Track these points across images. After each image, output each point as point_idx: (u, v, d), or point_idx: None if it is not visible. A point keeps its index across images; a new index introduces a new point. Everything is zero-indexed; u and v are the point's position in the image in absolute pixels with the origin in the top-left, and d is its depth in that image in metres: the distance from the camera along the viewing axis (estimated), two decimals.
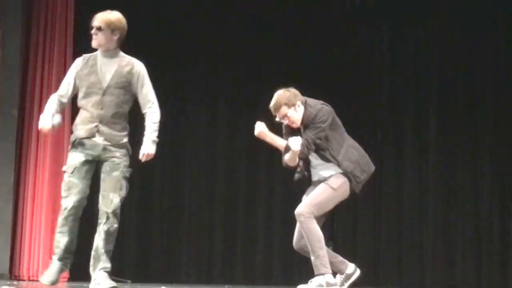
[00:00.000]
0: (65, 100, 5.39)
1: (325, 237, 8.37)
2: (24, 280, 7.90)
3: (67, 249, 5.35)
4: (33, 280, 7.88)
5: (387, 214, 8.43)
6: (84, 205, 5.36)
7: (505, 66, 8.27)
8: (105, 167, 5.22)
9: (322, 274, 5.36)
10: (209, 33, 8.57)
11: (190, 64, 8.65)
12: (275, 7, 8.59)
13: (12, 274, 8.00)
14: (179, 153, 8.63)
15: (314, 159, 5.52)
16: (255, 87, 8.33)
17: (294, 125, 5.51)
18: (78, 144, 5.27)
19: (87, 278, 5.46)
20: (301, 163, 5.57)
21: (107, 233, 5.29)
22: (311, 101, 5.55)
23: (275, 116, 5.51)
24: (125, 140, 5.26)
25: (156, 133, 5.24)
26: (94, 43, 5.22)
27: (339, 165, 5.43)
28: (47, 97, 8.07)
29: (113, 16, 5.22)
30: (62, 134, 8.10)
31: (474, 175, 8.31)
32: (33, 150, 8.12)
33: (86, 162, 5.24)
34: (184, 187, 8.64)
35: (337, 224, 8.57)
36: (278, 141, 5.56)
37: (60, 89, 5.39)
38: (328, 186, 5.42)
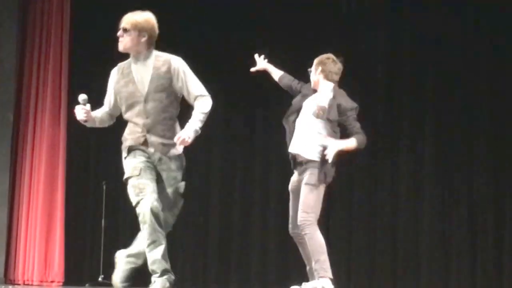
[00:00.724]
0: (113, 114, 5.05)
1: None
2: (19, 284, 7.89)
3: (166, 260, 4.69)
4: (28, 284, 7.88)
5: (382, 223, 8.41)
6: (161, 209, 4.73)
7: (502, 72, 8.26)
8: (160, 180, 4.80)
9: (321, 277, 5.35)
10: (209, 37, 8.56)
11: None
12: (270, 12, 8.59)
13: (7, 278, 8.00)
14: None
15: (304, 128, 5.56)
16: (250, 91, 8.33)
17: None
18: (134, 150, 4.83)
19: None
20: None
21: None
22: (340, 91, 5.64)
23: (311, 65, 5.67)
24: (179, 149, 4.83)
25: (199, 123, 4.74)
26: (120, 47, 4.84)
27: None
28: (43, 102, 8.17)
29: (140, 16, 4.81)
30: (57, 139, 8.11)
31: (469, 186, 8.31)
32: (29, 154, 8.12)
33: (148, 164, 4.76)
34: None
35: (332, 234, 8.57)
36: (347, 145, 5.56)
37: (104, 104, 5.07)
38: (310, 186, 5.41)
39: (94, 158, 8.59)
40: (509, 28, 8.15)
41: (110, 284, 6.35)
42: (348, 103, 5.56)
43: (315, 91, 5.66)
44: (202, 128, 4.75)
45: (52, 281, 7.97)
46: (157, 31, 4.84)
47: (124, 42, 4.82)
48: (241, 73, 8.22)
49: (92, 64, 8.64)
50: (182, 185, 4.87)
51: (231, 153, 8.67)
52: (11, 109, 8.14)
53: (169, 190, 4.80)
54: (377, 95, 8.54)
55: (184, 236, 8.49)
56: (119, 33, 4.84)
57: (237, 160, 8.66)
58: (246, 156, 8.63)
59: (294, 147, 5.54)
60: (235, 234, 8.60)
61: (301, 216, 5.42)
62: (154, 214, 4.64)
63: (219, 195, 8.64)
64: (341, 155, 5.52)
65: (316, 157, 5.45)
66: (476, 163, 8.29)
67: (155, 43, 4.85)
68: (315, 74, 5.64)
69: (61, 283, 7.98)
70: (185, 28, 8.54)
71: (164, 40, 4.94)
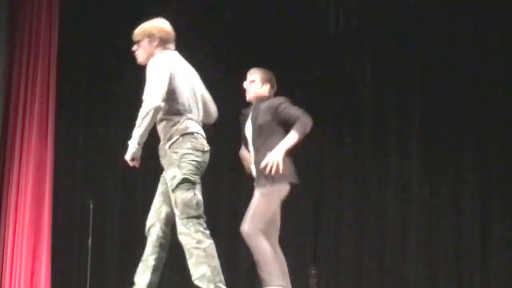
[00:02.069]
0: None
1: (307, 261, 8.45)
2: None
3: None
4: None
5: (370, 239, 8.43)
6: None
7: (489, 81, 8.28)
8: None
9: (268, 286, 5.30)
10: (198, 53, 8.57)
11: None
12: (257, 32, 8.63)
13: None
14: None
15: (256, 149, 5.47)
16: (237, 107, 8.36)
17: (248, 96, 5.61)
18: None
19: None
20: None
21: None
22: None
23: (245, 79, 5.67)
24: (166, 147, 4.67)
25: (135, 132, 4.57)
26: (138, 60, 4.85)
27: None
28: (30, 121, 8.15)
29: (147, 24, 4.84)
30: (44, 158, 8.09)
31: (456, 201, 8.32)
32: (15, 174, 8.08)
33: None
34: None
35: (320, 249, 8.58)
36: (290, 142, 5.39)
37: None
38: (261, 195, 5.35)
39: (81, 177, 8.58)
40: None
41: None
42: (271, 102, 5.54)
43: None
44: (144, 135, 4.57)
45: None
46: (168, 31, 4.83)
47: (139, 55, 4.82)
48: (229, 98, 8.30)
49: (80, 83, 8.66)
50: (174, 181, 4.60)
51: (219, 159, 8.66)
52: None
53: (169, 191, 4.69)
54: (364, 112, 8.59)
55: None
56: (134, 47, 4.84)
57: (225, 168, 8.64)
58: (235, 162, 8.65)
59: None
60: (223, 242, 8.56)
61: (245, 225, 5.32)
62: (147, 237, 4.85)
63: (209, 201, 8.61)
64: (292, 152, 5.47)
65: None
66: (464, 174, 8.29)
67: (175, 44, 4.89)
68: (258, 88, 5.63)
69: None
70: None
71: None
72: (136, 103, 7.69)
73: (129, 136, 4.75)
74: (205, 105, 4.92)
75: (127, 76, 8.52)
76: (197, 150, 4.60)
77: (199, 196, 4.61)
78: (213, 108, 5.05)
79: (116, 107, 8.65)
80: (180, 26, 5.11)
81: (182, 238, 4.58)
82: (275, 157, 5.16)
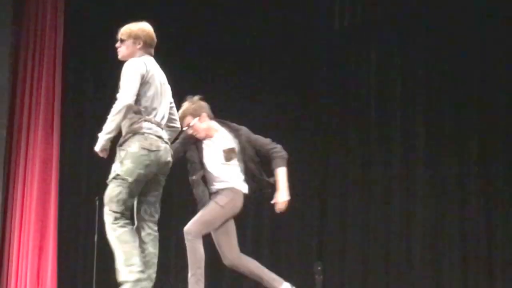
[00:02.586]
0: None
1: (313, 257, 8.46)
2: None
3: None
4: None
5: (376, 234, 8.43)
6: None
7: (492, 78, 8.28)
8: None
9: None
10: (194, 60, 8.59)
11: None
12: (262, 28, 8.63)
13: None
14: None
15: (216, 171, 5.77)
16: (243, 106, 8.37)
17: (198, 135, 5.79)
18: None
19: None
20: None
21: None
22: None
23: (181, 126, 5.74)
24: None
25: (104, 128, 4.81)
26: (118, 55, 5.13)
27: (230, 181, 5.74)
28: (36, 117, 8.17)
29: (134, 26, 5.09)
30: (50, 155, 8.11)
31: (462, 190, 8.32)
32: (21, 170, 8.11)
33: None
34: (172, 204, 8.61)
35: (325, 245, 8.58)
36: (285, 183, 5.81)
37: None
38: (216, 204, 5.64)
39: (86, 174, 8.58)
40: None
41: None
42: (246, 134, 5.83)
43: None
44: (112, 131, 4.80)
45: None
46: (152, 37, 5.10)
47: (121, 52, 5.11)
48: (236, 95, 8.30)
49: (85, 80, 8.67)
50: (111, 175, 4.89)
51: None
52: (3, 125, 8.13)
53: None
54: (370, 109, 8.58)
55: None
56: (117, 44, 5.13)
57: None
58: None
59: None
60: None
61: (188, 226, 5.56)
62: None
63: None
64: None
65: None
66: (468, 168, 8.28)
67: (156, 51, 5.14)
68: (200, 123, 5.79)
69: None
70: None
71: None
72: None
73: None
74: (170, 114, 5.17)
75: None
76: (143, 149, 4.79)
77: (124, 195, 4.80)
78: (177, 117, 5.33)
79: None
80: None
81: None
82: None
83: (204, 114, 5.82)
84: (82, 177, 8.59)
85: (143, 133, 4.81)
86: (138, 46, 5.04)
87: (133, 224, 4.93)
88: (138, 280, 4.71)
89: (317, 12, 8.63)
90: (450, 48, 8.28)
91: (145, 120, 4.84)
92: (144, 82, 4.86)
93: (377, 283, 8.33)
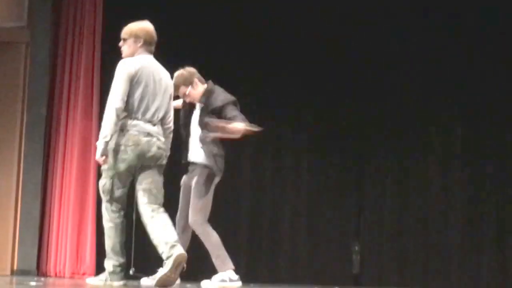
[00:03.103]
0: None
1: (350, 238, 8.45)
2: (51, 276, 7.94)
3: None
4: (59, 277, 7.93)
5: (413, 214, 8.39)
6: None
7: None
8: None
9: (225, 270, 6.03)
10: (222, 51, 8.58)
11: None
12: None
13: (40, 270, 8.06)
14: None
15: (196, 137, 6.20)
16: (270, 92, 8.40)
17: (195, 101, 6.24)
18: None
19: None
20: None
21: None
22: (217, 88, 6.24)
23: (177, 96, 6.11)
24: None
25: (100, 135, 5.21)
26: (123, 55, 5.49)
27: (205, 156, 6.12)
28: (75, 96, 8.23)
29: (135, 25, 5.47)
30: (89, 133, 8.16)
31: (500, 180, 8.25)
32: (61, 147, 8.17)
33: None
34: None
35: (363, 226, 8.56)
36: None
37: None
38: (199, 187, 6.09)
39: None
40: None
41: (141, 277, 6.43)
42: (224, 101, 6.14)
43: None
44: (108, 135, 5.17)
45: (83, 274, 8.00)
46: (152, 36, 5.47)
47: (124, 50, 5.47)
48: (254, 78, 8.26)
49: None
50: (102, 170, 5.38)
51: (262, 148, 8.67)
52: (44, 103, 8.20)
53: None
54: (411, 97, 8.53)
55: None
56: (120, 43, 5.51)
57: (268, 154, 8.66)
58: (277, 149, 8.65)
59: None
60: (265, 228, 8.60)
61: (191, 218, 6.10)
62: None
63: (250, 190, 8.65)
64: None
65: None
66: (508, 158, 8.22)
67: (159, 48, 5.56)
68: (194, 90, 6.21)
69: (92, 276, 8.01)
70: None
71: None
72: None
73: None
74: (168, 108, 5.50)
75: (168, 50, 8.55)
76: (120, 145, 5.20)
77: (108, 186, 5.30)
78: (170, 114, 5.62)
79: None
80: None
81: None
82: None
83: (195, 80, 6.18)
84: None
85: (123, 130, 5.22)
86: (139, 45, 5.39)
87: (121, 213, 5.49)
88: (113, 272, 5.40)
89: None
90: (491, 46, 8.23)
91: (131, 118, 5.24)
92: (134, 82, 5.24)
93: (415, 263, 8.30)
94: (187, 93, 6.19)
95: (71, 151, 8.16)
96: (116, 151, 5.20)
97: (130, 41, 5.41)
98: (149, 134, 5.28)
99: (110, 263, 5.39)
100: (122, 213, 5.43)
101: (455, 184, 8.35)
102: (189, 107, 6.31)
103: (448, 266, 8.23)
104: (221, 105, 6.09)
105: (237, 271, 8.56)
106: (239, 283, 6.03)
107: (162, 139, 5.39)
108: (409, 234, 8.40)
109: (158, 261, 8.47)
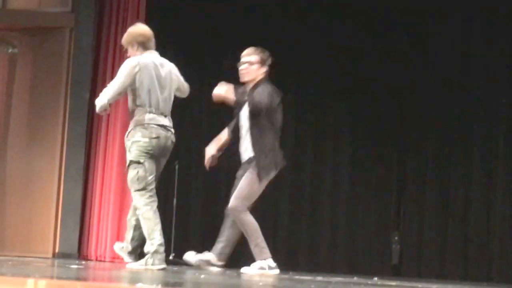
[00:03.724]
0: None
1: (390, 228, 8.42)
2: (92, 260, 8.02)
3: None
4: (100, 261, 8.01)
5: (454, 206, 8.33)
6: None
7: None
8: None
9: (264, 258, 5.96)
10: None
11: None
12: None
13: (81, 254, 8.15)
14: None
15: (245, 131, 6.05)
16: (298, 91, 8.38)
17: (246, 77, 6.08)
18: None
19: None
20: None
21: None
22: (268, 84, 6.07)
23: (239, 61, 6.10)
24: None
25: (101, 95, 5.76)
26: None
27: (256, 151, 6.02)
28: None
29: (127, 32, 5.95)
30: None
31: None
32: (103, 132, 8.23)
33: None
34: None
35: (403, 216, 8.51)
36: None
37: None
38: (250, 176, 5.98)
39: None
40: None
41: (182, 263, 6.47)
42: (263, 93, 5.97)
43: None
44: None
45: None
46: (145, 36, 5.86)
47: (127, 57, 5.87)
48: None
49: (166, 42, 8.70)
50: (127, 164, 5.77)
51: (301, 140, 8.67)
52: (87, 88, 8.26)
53: None
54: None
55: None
56: (124, 50, 5.99)
57: (308, 146, 8.65)
58: (317, 142, 8.64)
59: None
60: (304, 218, 8.60)
61: (233, 202, 6.01)
62: None
63: (290, 182, 8.64)
64: None
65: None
66: None
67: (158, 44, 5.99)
68: (255, 70, 6.09)
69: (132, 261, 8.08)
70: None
71: None
72: (222, 63, 7.72)
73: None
74: (178, 90, 6.00)
75: (213, 34, 8.58)
76: (144, 137, 5.63)
77: (142, 173, 5.66)
78: (184, 87, 6.10)
79: (202, 70, 8.70)
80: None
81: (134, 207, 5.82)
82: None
83: (264, 68, 6.07)
84: None
85: (143, 124, 5.63)
86: (135, 48, 5.82)
87: (156, 199, 5.75)
88: (156, 252, 5.60)
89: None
90: None
91: (147, 112, 5.65)
92: (138, 79, 5.65)
93: (454, 253, 8.23)
94: (255, 69, 6.08)
95: (113, 135, 8.21)
96: (141, 143, 5.62)
97: (129, 48, 5.88)
98: (165, 128, 5.75)
99: (154, 244, 5.61)
100: (155, 197, 5.74)
101: (497, 176, 8.26)
102: (241, 97, 6.10)
103: (488, 258, 8.15)
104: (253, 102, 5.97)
105: (276, 258, 8.61)
106: (277, 271, 6.01)
107: (173, 130, 5.83)
108: (449, 226, 8.34)
109: (197, 247, 8.55)
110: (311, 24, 8.50)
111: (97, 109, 5.74)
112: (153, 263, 5.57)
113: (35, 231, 8.18)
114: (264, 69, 6.09)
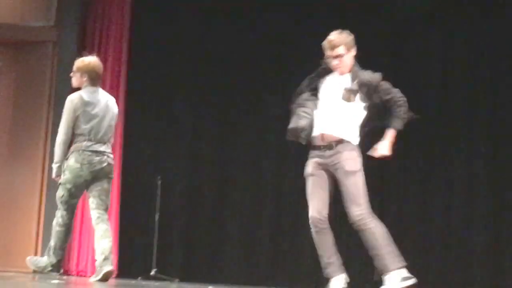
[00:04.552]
0: None
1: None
2: (73, 275, 7.99)
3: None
4: (81, 276, 7.98)
5: (435, 216, 8.38)
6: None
7: None
8: None
9: (398, 268, 5.13)
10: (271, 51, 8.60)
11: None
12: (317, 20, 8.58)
13: (62, 269, 8.09)
14: (226, 154, 8.67)
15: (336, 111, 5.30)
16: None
17: (342, 70, 5.31)
18: None
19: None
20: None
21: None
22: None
23: (324, 55, 5.30)
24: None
25: (53, 162, 6.09)
26: (73, 85, 6.35)
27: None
28: None
29: (82, 61, 6.25)
30: (114, 134, 8.18)
31: None
32: None
33: None
34: (232, 188, 8.66)
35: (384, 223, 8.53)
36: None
37: None
38: (356, 173, 5.23)
39: (149, 153, 8.66)
40: None
41: (163, 279, 6.45)
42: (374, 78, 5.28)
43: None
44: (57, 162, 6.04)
45: None
46: (96, 72, 6.21)
47: (73, 82, 6.33)
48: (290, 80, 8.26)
49: (150, 58, 8.73)
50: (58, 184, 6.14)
51: (285, 151, 8.67)
52: None
53: None
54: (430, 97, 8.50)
55: (235, 232, 8.54)
56: (71, 74, 6.31)
57: (290, 158, 8.65)
58: (300, 154, 8.63)
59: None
60: (286, 231, 8.60)
61: (355, 211, 5.23)
62: None
63: (272, 192, 8.65)
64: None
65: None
66: None
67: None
68: (349, 59, 5.28)
69: (114, 276, 8.05)
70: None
71: None
72: (204, 79, 7.76)
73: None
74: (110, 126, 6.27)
75: (197, 48, 8.60)
76: (77, 163, 6.01)
77: (66, 196, 6.05)
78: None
79: (184, 85, 8.72)
80: None
81: None
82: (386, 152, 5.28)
83: (354, 51, 5.33)
84: (145, 156, 8.66)
85: (79, 150, 6.02)
86: (84, 79, 6.19)
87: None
88: (51, 266, 6.16)
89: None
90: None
91: (86, 140, 6.04)
92: (80, 112, 6.05)
93: (434, 267, 8.27)
94: (344, 55, 5.25)
95: None
96: (74, 168, 5.99)
97: (78, 75, 6.22)
98: (101, 153, 6.10)
99: (52, 258, 6.14)
100: (72, 219, 6.21)
101: (479, 183, 8.33)
102: (316, 76, 5.42)
103: (469, 266, 8.19)
104: (373, 82, 5.24)
105: (256, 272, 8.59)
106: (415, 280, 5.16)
107: (112, 155, 6.20)
108: (431, 240, 8.37)
109: (178, 263, 8.51)
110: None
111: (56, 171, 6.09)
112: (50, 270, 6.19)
113: (16, 246, 8.13)
114: (354, 52, 5.35)
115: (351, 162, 5.26)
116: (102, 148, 6.13)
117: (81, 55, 8.28)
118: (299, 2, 8.59)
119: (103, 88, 8.17)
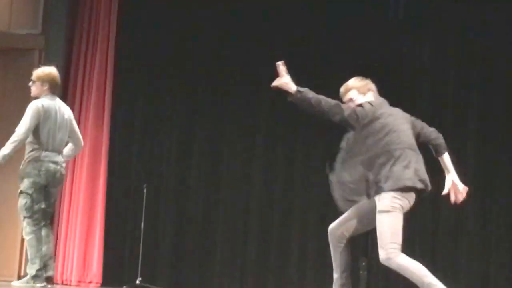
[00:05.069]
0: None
1: (358, 253, 8.42)
2: (57, 283, 7.95)
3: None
4: (66, 285, 7.94)
5: (422, 232, 8.37)
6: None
7: None
8: None
9: None
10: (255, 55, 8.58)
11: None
12: (314, 20, 8.58)
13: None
14: (215, 161, 8.65)
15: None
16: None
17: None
18: None
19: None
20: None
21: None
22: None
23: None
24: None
25: (3, 149, 6.28)
26: (31, 94, 6.57)
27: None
28: (87, 105, 8.26)
29: (43, 71, 6.51)
30: (100, 141, 8.18)
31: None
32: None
33: None
34: (219, 196, 8.64)
35: (371, 242, 8.51)
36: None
37: None
38: (383, 213, 5.14)
39: (135, 161, 8.63)
40: None
41: (148, 287, 6.44)
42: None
43: None
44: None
45: (90, 282, 8.02)
46: (56, 81, 6.50)
47: (32, 90, 6.57)
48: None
49: (137, 66, 8.72)
50: (18, 193, 6.39)
51: (273, 160, 8.66)
52: None
53: None
54: (422, 105, 8.50)
55: (223, 240, 8.51)
56: (30, 83, 6.57)
57: (279, 165, 8.65)
58: (288, 161, 8.64)
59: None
60: (274, 240, 8.58)
61: (382, 253, 5.20)
62: None
63: (260, 200, 8.63)
64: None
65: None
66: None
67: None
68: (362, 100, 5.16)
69: (99, 284, 8.02)
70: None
71: None
72: (194, 85, 7.74)
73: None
74: (75, 138, 6.68)
75: (183, 58, 8.57)
76: (35, 170, 6.29)
77: (29, 203, 6.30)
78: (77, 135, 6.75)
79: (172, 91, 8.70)
80: None
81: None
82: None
83: (370, 94, 5.21)
84: (131, 164, 8.64)
85: (37, 160, 6.29)
86: (45, 88, 6.45)
87: (44, 224, 6.38)
88: (36, 276, 6.26)
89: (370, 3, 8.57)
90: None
91: (42, 149, 6.30)
92: (41, 120, 6.30)
93: None
94: (354, 99, 5.17)
95: (81, 160, 8.18)
96: (34, 175, 6.27)
97: (38, 84, 6.48)
98: (56, 163, 6.38)
99: (34, 268, 6.26)
100: (41, 224, 6.36)
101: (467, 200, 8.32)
102: None
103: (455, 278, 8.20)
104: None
105: (244, 280, 8.56)
106: None
107: (64, 165, 6.51)
108: (416, 251, 8.36)
109: (164, 272, 8.49)
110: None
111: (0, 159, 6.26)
112: (34, 283, 6.24)
113: (0, 255, 8.08)
114: (366, 96, 5.22)
115: (384, 201, 5.12)
116: (57, 158, 6.42)
117: (68, 62, 8.35)
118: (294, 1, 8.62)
119: (90, 93, 8.27)
